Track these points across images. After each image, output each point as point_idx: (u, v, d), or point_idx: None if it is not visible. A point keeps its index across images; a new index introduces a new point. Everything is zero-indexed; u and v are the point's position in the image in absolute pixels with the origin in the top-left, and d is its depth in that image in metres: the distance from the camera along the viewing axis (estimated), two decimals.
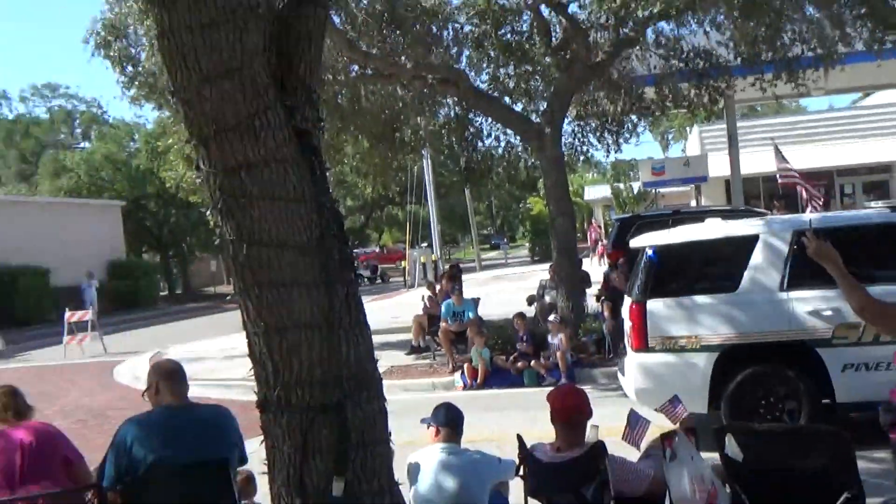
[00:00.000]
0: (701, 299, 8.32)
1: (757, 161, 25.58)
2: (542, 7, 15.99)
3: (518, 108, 17.66)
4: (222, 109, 4.11)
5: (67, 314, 22.83)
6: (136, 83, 15.23)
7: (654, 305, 8.39)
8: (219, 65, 4.04)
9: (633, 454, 5.12)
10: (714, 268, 8.53)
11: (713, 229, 8.78)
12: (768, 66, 15.57)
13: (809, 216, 8.59)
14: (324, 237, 4.39)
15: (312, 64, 4.50)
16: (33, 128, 58.59)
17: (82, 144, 56.58)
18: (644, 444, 5.21)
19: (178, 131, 18.45)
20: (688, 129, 43.23)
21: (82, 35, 14.94)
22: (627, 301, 9.00)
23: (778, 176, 20.62)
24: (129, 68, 15.04)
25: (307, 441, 4.44)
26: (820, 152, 29.71)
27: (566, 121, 17.10)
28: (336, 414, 4.42)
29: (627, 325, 8.73)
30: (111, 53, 14.87)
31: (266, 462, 4.71)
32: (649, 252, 8.67)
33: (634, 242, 9.66)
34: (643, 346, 8.40)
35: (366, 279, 43.46)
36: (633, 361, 8.57)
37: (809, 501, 4.28)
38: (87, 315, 23.19)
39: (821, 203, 19.00)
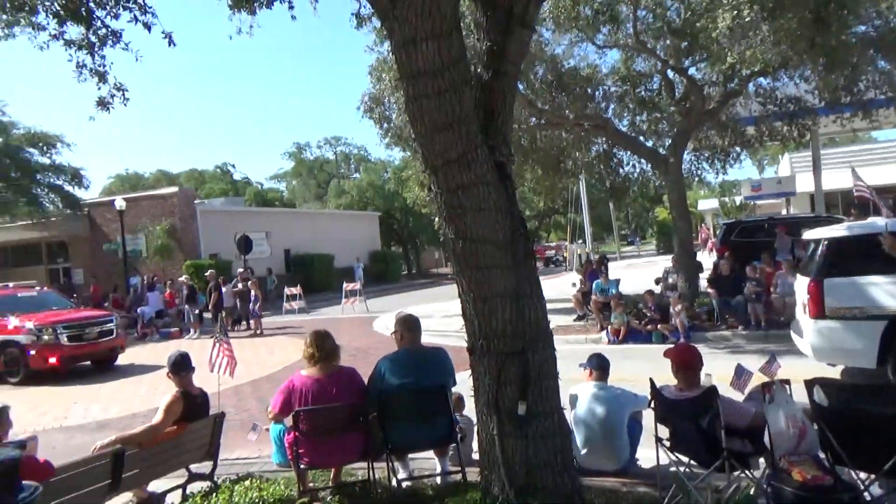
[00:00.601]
0: (869, 279, 7.42)
1: (835, 179, 23.19)
2: (668, 71, 15.21)
3: (649, 143, 16.92)
4: (446, 149, 4.16)
5: (345, 285, 23.97)
6: (389, 134, 15.75)
7: (830, 283, 7.62)
8: (444, 119, 4.09)
9: (738, 398, 4.76)
10: (879, 253, 7.60)
11: (875, 225, 7.84)
12: (847, 107, 14.05)
13: (885, 221, 7.57)
14: (514, 236, 4.36)
15: (506, 116, 4.47)
16: (325, 165, 62.14)
17: (355, 175, 59.31)
18: (747, 390, 4.85)
19: (415, 166, 19.04)
20: (780, 156, 39.77)
21: (356, 104, 15.67)
22: (802, 280, 8.25)
23: (854, 190, 18.55)
24: (385, 125, 15.57)
25: (501, 375, 4.43)
26: (887, 172, 26.54)
27: (685, 152, 16.19)
28: (521, 357, 4.39)
29: (805, 297, 7.90)
30: (374, 115, 15.45)
31: (473, 388, 4.74)
32: (824, 242, 7.92)
33: (808, 235, 8.71)
34: (820, 314, 7.64)
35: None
36: (811, 326, 7.76)
37: (881, 438, 3.82)
38: (357, 286, 24.24)
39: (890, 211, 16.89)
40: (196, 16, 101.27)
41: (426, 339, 5.60)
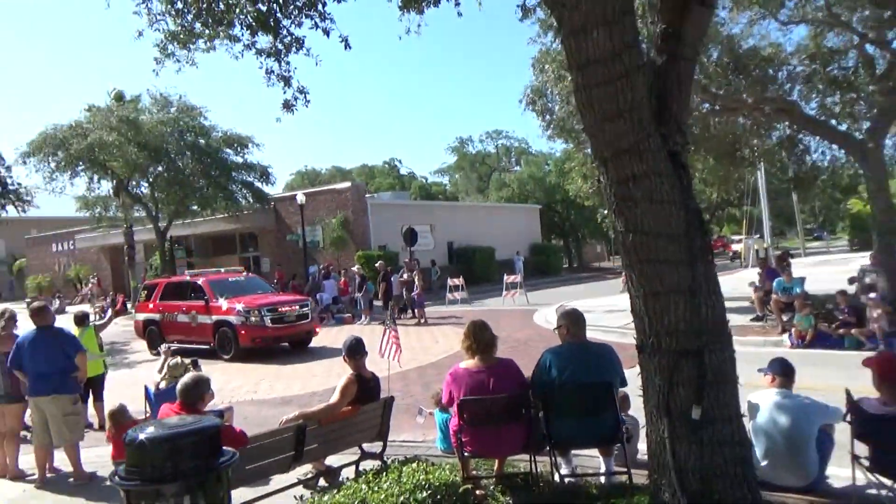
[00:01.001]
0: None
1: None
2: (867, 46, 13.52)
3: (842, 128, 15.18)
4: (616, 139, 4.00)
5: (506, 277, 24.15)
6: (551, 126, 15.55)
7: None
8: (615, 108, 3.93)
9: None
10: None
11: None
12: None
13: None
14: (689, 229, 4.10)
15: (681, 102, 4.20)
16: (486, 159, 62.86)
17: (515, 168, 59.39)
18: None
19: (577, 157, 18.64)
20: None
21: (517, 97, 15.65)
22: None
23: None
24: (547, 116, 15.40)
25: (673, 376, 4.18)
26: None
27: (888, 136, 14.34)
28: (696, 358, 4.12)
29: None
30: (536, 108, 15.33)
31: (641, 388, 4.54)
32: None
33: None
34: None
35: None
36: None
37: None
38: (517, 278, 24.31)
39: None
40: (365, 17, 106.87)
41: (587, 334, 5.44)
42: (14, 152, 27.16)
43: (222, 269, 18.08)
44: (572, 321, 5.22)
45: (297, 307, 15.36)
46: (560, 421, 4.99)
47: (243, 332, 14.47)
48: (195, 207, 29.40)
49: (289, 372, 12.87)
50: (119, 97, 28.76)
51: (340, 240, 28.62)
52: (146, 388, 7.70)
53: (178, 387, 5.15)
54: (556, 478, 5.20)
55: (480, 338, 5.16)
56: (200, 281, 15.81)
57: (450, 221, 33.87)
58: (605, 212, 17.77)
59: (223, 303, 15.00)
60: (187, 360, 7.57)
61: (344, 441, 5.75)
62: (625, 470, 5.02)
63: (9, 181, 20.98)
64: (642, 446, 5.33)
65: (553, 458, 5.20)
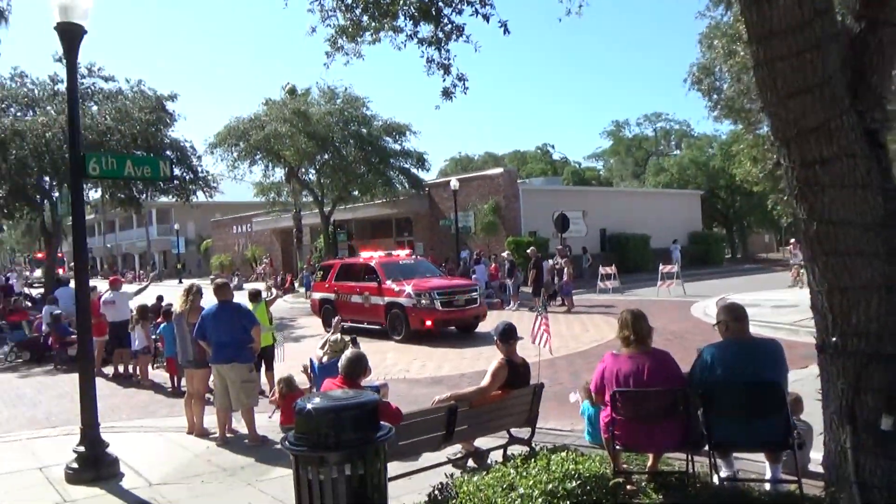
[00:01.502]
0: None
1: None
2: None
3: None
4: (803, 116, 3.62)
5: (661, 267, 23.13)
6: (718, 106, 14.57)
7: None
8: (802, 83, 3.56)
9: None
10: None
11: None
12: None
13: None
14: (888, 217, 3.63)
15: (883, 74, 3.70)
16: (644, 142, 60.37)
17: (675, 152, 56.50)
18: None
19: (746, 140, 17.28)
20: None
21: (682, 77, 14.81)
22: None
23: None
24: (714, 96, 14.45)
25: (860, 380, 3.75)
26: None
27: None
28: (890, 363, 3.65)
29: None
30: (702, 87, 14.44)
31: (819, 392, 4.12)
32: None
33: None
34: None
35: None
36: None
37: None
38: (673, 268, 23.19)
39: None
40: (521, 1, 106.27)
41: (752, 331, 5.03)
42: (203, 144, 30.09)
43: (392, 252, 18.67)
44: (733, 317, 4.86)
45: (467, 291, 15.34)
46: (722, 421, 4.68)
47: (413, 314, 14.64)
48: (356, 193, 30.99)
49: (440, 354, 13.22)
50: (292, 91, 30.88)
51: (491, 225, 28.87)
52: (311, 361, 8.24)
53: (341, 362, 5.43)
54: (715, 480, 4.89)
55: (637, 327, 4.96)
56: (373, 263, 16.20)
57: (603, 207, 32.95)
58: (776, 198, 16.38)
59: (394, 285, 15.26)
60: (347, 338, 7.99)
61: (493, 424, 5.80)
62: (794, 478, 4.60)
63: (199, 169, 23.26)
64: (815, 455, 4.87)
65: (712, 459, 4.89)
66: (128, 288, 14.20)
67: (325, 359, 8.08)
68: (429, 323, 14.65)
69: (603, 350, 6.07)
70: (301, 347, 14.35)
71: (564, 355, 11.74)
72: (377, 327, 15.49)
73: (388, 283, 15.41)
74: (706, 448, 4.85)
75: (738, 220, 45.96)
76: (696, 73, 14.35)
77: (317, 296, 17.66)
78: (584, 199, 33.13)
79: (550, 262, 20.55)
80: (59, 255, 32.52)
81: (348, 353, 5.50)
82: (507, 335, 5.89)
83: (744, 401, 4.63)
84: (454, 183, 27.90)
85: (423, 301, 14.71)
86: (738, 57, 11.80)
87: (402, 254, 18.76)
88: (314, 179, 31.62)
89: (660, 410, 4.78)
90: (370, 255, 17.08)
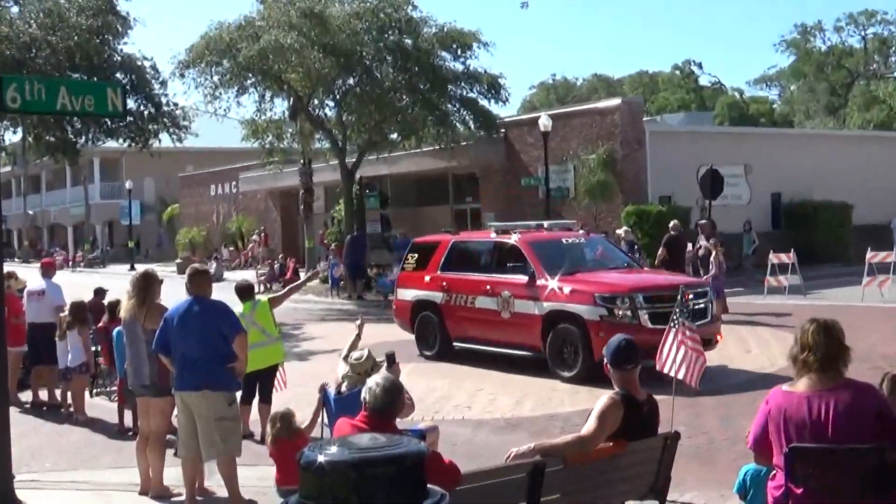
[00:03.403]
0: None
1: None
2: None
3: None
4: None
5: (869, 254, 22.41)
6: None
7: None
8: None
9: None
10: None
11: None
12: None
13: None
14: None
15: None
16: (845, 58, 58.58)
17: None
18: None
19: None
20: None
21: None
22: None
23: None
24: None
25: None
26: None
27: None
28: None
29: None
30: None
31: None
32: None
33: None
34: None
35: None
36: None
37: None
38: (891, 257, 22.42)
39: None
40: None
41: None
42: (170, 63, 30.11)
43: (545, 224, 16.95)
44: None
45: (692, 294, 13.29)
46: None
47: (601, 333, 12.58)
48: (395, 136, 31.12)
49: (519, 382, 13.29)
50: None
51: (602, 186, 28.63)
52: (324, 390, 8.32)
53: (366, 392, 5.47)
54: None
55: (826, 347, 4.82)
56: (517, 241, 15.03)
57: (777, 160, 32.21)
58: None
59: (557, 282, 13.88)
60: (379, 358, 8.01)
61: (601, 492, 5.83)
62: None
63: (163, 101, 23.67)
64: None
65: None
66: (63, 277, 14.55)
67: (344, 386, 8.16)
68: None
69: (772, 382, 5.91)
70: (308, 368, 14.65)
71: (712, 388, 11.61)
72: (525, 353, 14.38)
73: (548, 277, 14.06)
74: None
75: None
76: None
77: (407, 295, 16.75)
78: (748, 146, 32.57)
79: (700, 244, 20.19)
80: None
81: (378, 378, 5.53)
82: (624, 357, 5.84)
83: None
84: (545, 121, 27.75)
85: (620, 311, 13.29)
86: None
87: (559, 227, 17.12)
88: (332, 116, 32.03)
89: (860, 482, 4.66)
90: (505, 230, 15.98)
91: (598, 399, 5.83)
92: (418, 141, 30.89)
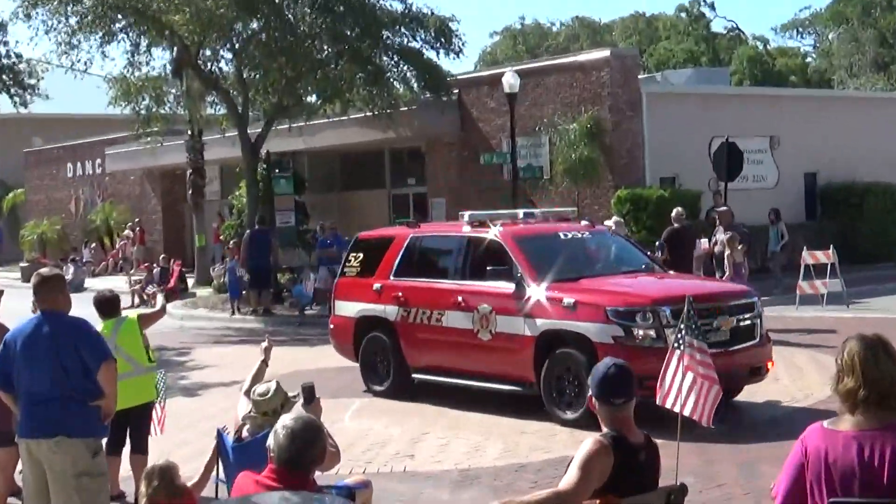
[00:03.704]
0: None
1: None
2: None
3: None
4: None
5: None
6: None
7: None
8: None
9: None
10: None
11: None
12: None
13: None
14: None
15: None
16: None
17: None
18: None
19: None
20: None
21: None
22: None
23: None
24: None
25: None
26: None
27: None
28: None
29: None
30: None
31: None
32: None
33: None
34: None
35: None
36: None
37: None
38: None
39: None
40: None
41: None
42: (11, 1, 29.78)
43: (536, 212, 17.15)
44: None
45: (732, 304, 13.95)
46: None
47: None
48: (313, 99, 30.96)
49: (478, 421, 13.33)
50: None
51: (586, 165, 28.71)
52: (220, 435, 8.27)
53: (274, 437, 5.45)
54: None
55: (875, 373, 4.89)
56: (498, 235, 14.98)
57: (812, 131, 32.66)
58: None
59: (553, 291, 13.72)
60: (291, 393, 7.97)
61: None
62: None
63: (1, 52, 23.33)
64: None
65: None
66: None
67: (246, 430, 8.11)
68: (652, 383, 12.38)
69: (807, 419, 5.97)
70: (198, 407, 14.62)
71: (730, 430, 11.71)
72: (513, 388, 14.24)
73: (542, 284, 13.98)
74: None
75: None
76: None
77: (350, 308, 16.60)
78: (775, 113, 32.89)
79: (716, 239, 20.33)
80: None
81: (287, 421, 5.50)
82: (614, 388, 5.86)
83: None
84: (511, 79, 27.74)
85: (642, 331, 13.19)
86: None
87: (554, 217, 16.98)
88: (230, 72, 31.88)
89: None
90: (482, 221, 15.54)
91: (582, 443, 5.85)
92: (344, 105, 30.87)
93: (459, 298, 14.49)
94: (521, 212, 17.24)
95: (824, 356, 15.29)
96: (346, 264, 17.12)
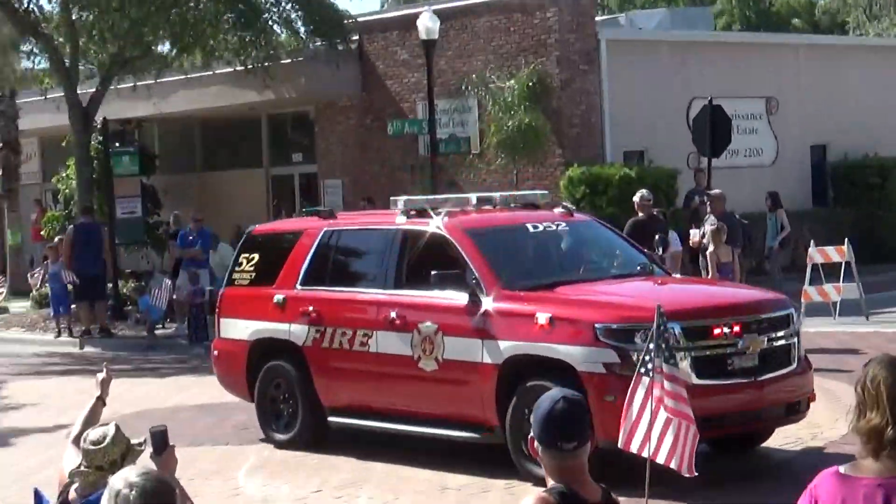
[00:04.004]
0: None
1: None
2: None
3: None
4: None
5: None
6: None
7: None
8: None
9: None
10: None
11: None
12: None
13: None
14: None
15: None
16: None
17: None
18: None
19: None
20: None
21: None
22: None
23: None
24: None
25: None
26: None
27: None
28: None
29: None
30: None
31: None
32: None
33: None
34: None
35: None
36: None
37: None
38: None
39: None
40: None
41: None
42: None
43: (498, 196, 16.61)
44: None
45: (763, 319, 13.69)
46: None
47: (609, 395, 12.49)
48: (166, 47, 30.89)
49: (386, 473, 13.39)
50: None
51: (527, 135, 28.84)
52: (38, 497, 8.23)
53: (112, 499, 5.39)
54: None
55: None
56: (444, 227, 14.94)
57: (820, 91, 33.18)
58: None
59: (521, 303, 13.83)
60: (136, 440, 7.90)
61: None
62: None
63: None
64: None
65: None
66: None
67: (74, 488, 8.07)
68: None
69: (816, 463, 6.04)
70: (9, 459, 14.66)
71: (717, 480, 11.88)
72: (468, 435, 14.11)
73: (502, 292, 13.95)
74: None
75: None
76: None
77: (240, 330, 16.68)
78: (772, 67, 33.40)
79: (704, 230, 20.56)
80: None
81: (134, 475, 5.45)
82: (559, 428, 5.84)
83: None
84: (429, 22, 27.80)
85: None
86: None
87: (519, 202, 16.83)
88: (54, 13, 31.64)
89: None
90: (422, 209, 15.22)
91: (520, 502, 5.86)
92: (206, 56, 30.85)
93: (393, 314, 14.29)
94: (473, 196, 16.73)
95: (837, 384, 15.45)
96: (236, 269, 16.88)
